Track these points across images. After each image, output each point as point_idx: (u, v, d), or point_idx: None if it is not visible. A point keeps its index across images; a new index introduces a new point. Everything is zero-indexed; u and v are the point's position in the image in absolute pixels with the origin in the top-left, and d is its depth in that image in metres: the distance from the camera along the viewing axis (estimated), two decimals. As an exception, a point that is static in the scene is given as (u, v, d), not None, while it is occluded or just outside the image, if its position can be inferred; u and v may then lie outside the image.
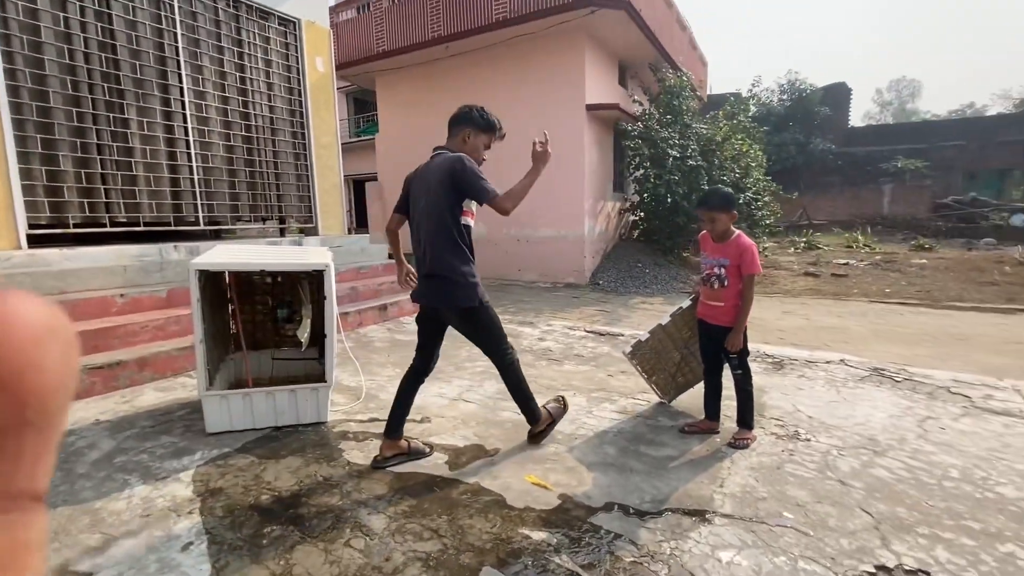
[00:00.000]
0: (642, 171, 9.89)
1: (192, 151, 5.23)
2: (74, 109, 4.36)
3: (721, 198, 2.76)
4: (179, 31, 5.05)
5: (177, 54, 5.05)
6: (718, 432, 2.94)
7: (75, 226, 4.45)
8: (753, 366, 4.20)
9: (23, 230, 4.06)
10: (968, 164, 21.07)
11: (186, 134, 5.18)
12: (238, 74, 5.67)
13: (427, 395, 3.52)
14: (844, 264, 10.79)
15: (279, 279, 3.28)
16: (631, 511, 2.13)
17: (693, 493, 2.28)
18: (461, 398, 3.49)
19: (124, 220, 4.78)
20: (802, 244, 13.88)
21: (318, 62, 6.49)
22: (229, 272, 3.12)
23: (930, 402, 3.42)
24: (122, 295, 4.08)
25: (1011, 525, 2.05)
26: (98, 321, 3.81)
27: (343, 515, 2.09)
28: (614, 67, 10.70)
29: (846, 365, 4.22)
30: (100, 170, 4.57)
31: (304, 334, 3.05)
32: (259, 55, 5.89)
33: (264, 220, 6.32)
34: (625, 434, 2.88)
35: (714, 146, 9.94)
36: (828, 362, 4.29)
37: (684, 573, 1.77)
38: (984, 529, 2.03)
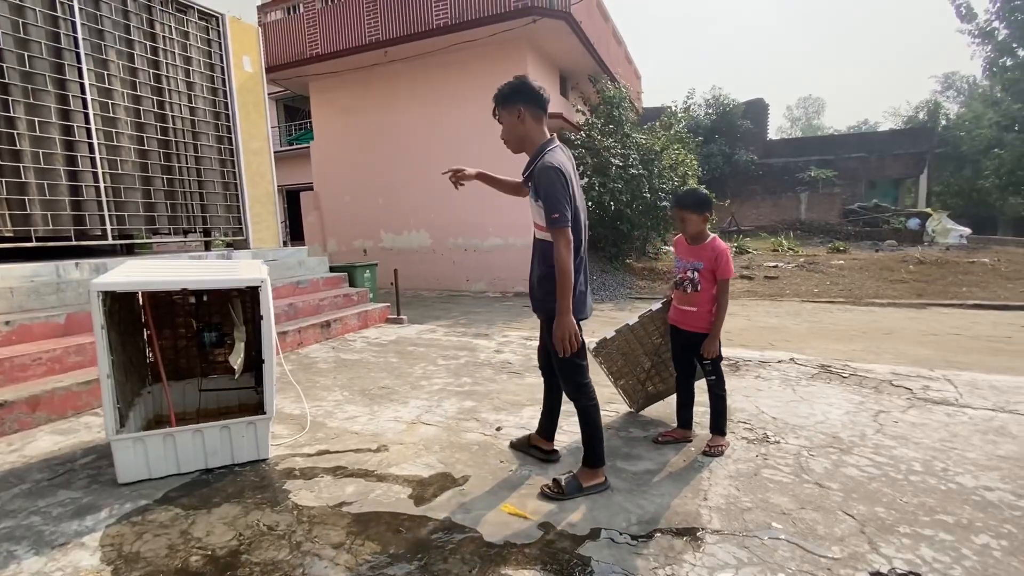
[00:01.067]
0: (586, 179, 10.00)
1: (97, 155, 4.61)
2: (-57, 105, 3.70)
3: (694, 198, 2.71)
4: (78, 20, 4.45)
5: (76, 46, 4.45)
6: (691, 440, 2.86)
7: (-55, 242, 3.76)
8: (711, 369, 4.25)
9: None
10: (869, 174, 23.27)
11: (89, 136, 4.56)
12: (152, 71, 5.10)
13: (381, 420, 3.22)
14: (774, 267, 11.44)
15: (205, 298, 2.87)
16: (620, 537, 1.97)
17: (679, 510, 2.16)
18: (420, 420, 3.22)
19: (11, 235, 4.11)
20: (734, 249, 14.63)
21: (245, 61, 6.00)
22: (143, 292, 2.69)
23: (878, 396, 3.55)
24: (7, 322, 3.46)
25: (979, 515, 2.09)
26: (-25, 354, 3.19)
27: (293, 573, 1.78)
28: (555, 77, 10.81)
29: (796, 364, 4.35)
30: (-22, 176, 3.90)
31: (237, 359, 2.68)
32: (177, 51, 5.34)
33: (186, 233, 5.70)
34: (599, 449, 2.73)
35: (653, 155, 10.24)
36: (780, 361, 4.40)
37: (687, 604, 1.63)
38: (957, 522, 2.05)
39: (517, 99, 2.11)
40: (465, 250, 10.05)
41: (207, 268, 2.83)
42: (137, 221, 5.02)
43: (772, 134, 27.78)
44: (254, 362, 2.90)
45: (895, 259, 12.16)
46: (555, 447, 2.66)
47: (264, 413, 2.61)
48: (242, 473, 2.51)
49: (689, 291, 2.70)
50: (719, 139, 22.46)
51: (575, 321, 2.12)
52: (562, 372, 2.32)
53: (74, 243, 4.53)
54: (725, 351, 4.71)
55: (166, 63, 5.22)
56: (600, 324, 6.74)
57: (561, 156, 2.14)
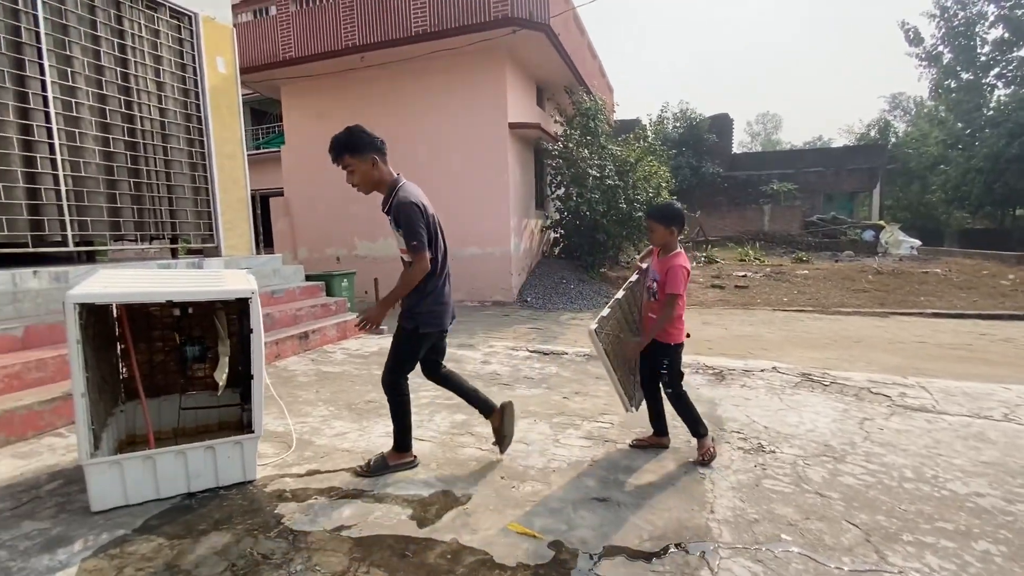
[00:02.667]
0: (563, 189, 10.07)
1: (58, 157, 4.33)
2: None
3: (662, 210, 2.80)
4: (40, 13, 4.19)
5: (38, 40, 4.19)
6: (667, 446, 2.87)
7: None
8: (697, 378, 4.29)
9: None
10: (827, 187, 24.36)
11: (50, 136, 4.29)
12: (119, 69, 4.84)
13: (373, 436, 3.11)
14: (743, 276, 11.77)
15: (190, 310, 2.71)
16: (634, 554, 1.93)
17: (688, 523, 2.14)
18: (413, 436, 3.10)
19: (-40, 240, 3.80)
20: (703, 258, 15.00)
21: (219, 62, 5.78)
22: (117, 304, 2.51)
23: (860, 403, 3.65)
24: (-42, 336, 3.18)
25: (975, 521, 2.15)
26: (-79, 372, 2.91)
27: (297, 605, 1.67)
28: (532, 88, 10.89)
29: (779, 372, 4.44)
30: (-76, 177, 3.59)
31: (222, 375, 2.52)
32: (146, 49, 5.10)
33: (152, 239, 5.41)
34: (601, 463, 2.71)
35: (628, 167, 10.41)
36: (763, 370, 4.49)
37: (711, 623, 1.60)
38: (956, 529, 2.10)
39: (368, 149, 2.38)
40: (442, 259, 9.93)
41: (190, 278, 2.67)
42: (101, 227, 4.73)
43: (735, 148, 28.77)
44: (238, 378, 2.74)
45: (854, 269, 12.70)
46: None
47: (251, 431, 2.46)
48: (228, 496, 2.36)
49: (649, 299, 2.78)
50: (686, 151, 23.12)
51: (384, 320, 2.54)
52: (388, 370, 2.61)
53: (31, 250, 4.23)
54: (710, 360, 4.80)
55: (135, 61, 4.97)
56: (583, 333, 6.74)
57: (414, 190, 2.49)
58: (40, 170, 4.24)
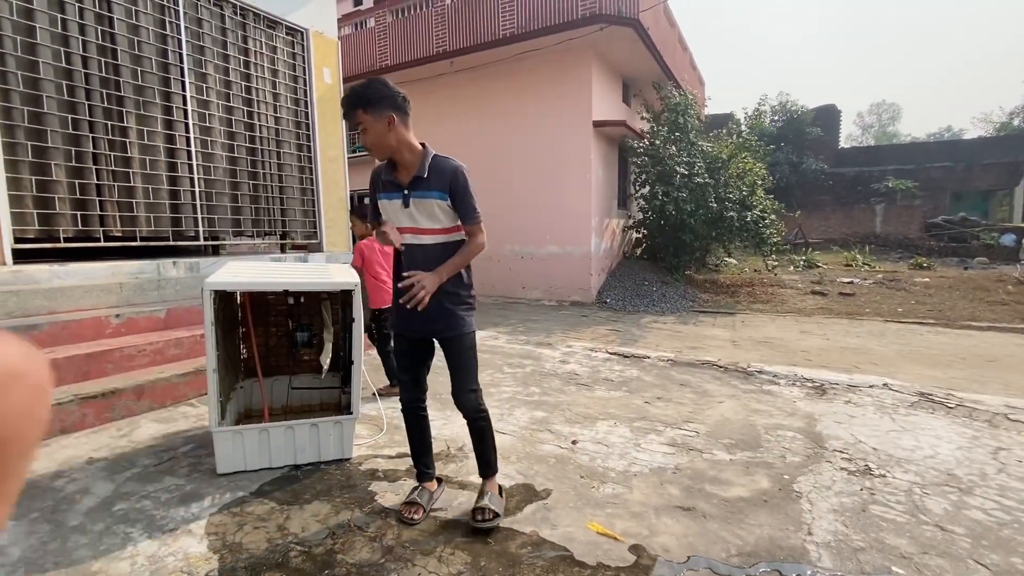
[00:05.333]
0: (648, 188, 9.78)
1: (194, 162, 4.95)
2: (69, 116, 4.07)
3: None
4: (184, 37, 4.80)
5: (181, 61, 4.80)
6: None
7: (66, 240, 4.11)
8: (795, 390, 4.01)
9: (8, 244, 3.71)
10: (955, 185, 21.47)
11: (188, 144, 4.90)
12: (243, 83, 5.43)
13: (455, 425, 3.23)
14: (849, 283, 10.73)
15: (301, 300, 2.99)
16: (721, 568, 1.85)
17: (782, 543, 2.01)
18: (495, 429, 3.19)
19: (119, 234, 4.45)
20: (802, 262, 13.87)
21: (325, 73, 6.28)
22: (241, 292, 2.83)
23: (993, 431, 3.21)
24: (117, 315, 3.74)
25: None
26: (91, 344, 3.47)
27: (388, 577, 1.79)
28: (619, 85, 10.68)
29: (891, 390, 4.02)
30: (96, 181, 4.25)
31: (326, 359, 2.76)
32: (265, 64, 5.66)
33: (265, 235, 6.01)
34: (685, 471, 2.62)
35: (719, 164, 9.88)
36: (871, 386, 4.08)
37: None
38: (1118, 584, 1.79)
39: (385, 105, 1.95)
40: (522, 257, 10.05)
41: (302, 271, 2.94)
42: (225, 224, 5.33)
43: (842, 142, 26.20)
44: (339, 362, 2.98)
45: (989, 278, 11.10)
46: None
47: (350, 413, 2.67)
48: (328, 471, 2.58)
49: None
50: (785, 147, 21.44)
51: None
52: (465, 377, 2.18)
53: (171, 243, 4.87)
54: (809, 372, 4.45)
55: (256, 76, 5.54)
56: (665, 337, 6.53)
57: None
58: (180, 174, 4.86)
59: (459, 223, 2.04)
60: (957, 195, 21.76)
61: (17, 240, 3.81)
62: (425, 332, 2.14)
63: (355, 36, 11.40)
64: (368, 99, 1.94)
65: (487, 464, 2.21)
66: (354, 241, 3.87)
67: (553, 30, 8.58)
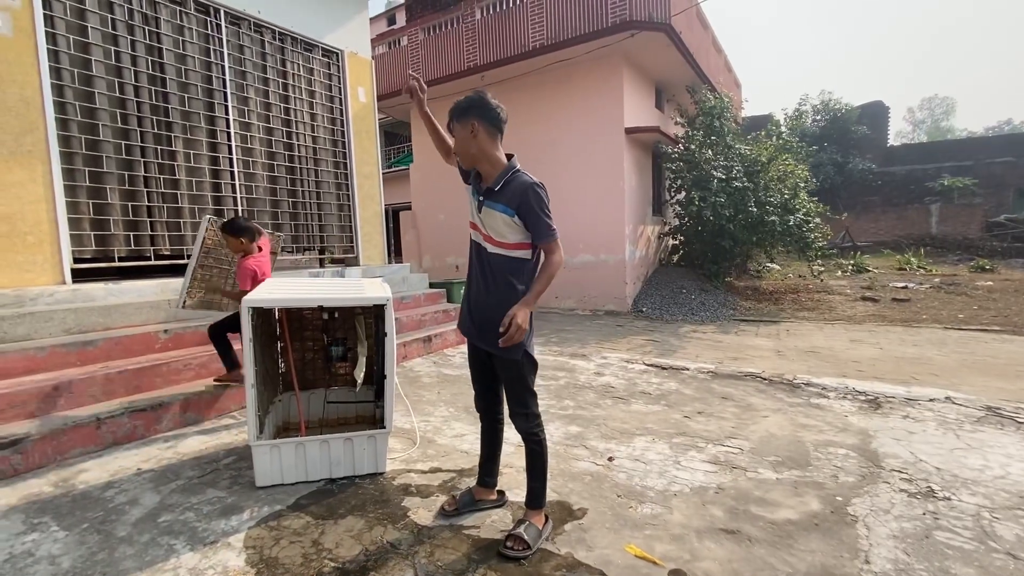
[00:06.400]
0: (684, 193, 9.57)
1: (236, 182, 5.16)
2: (123, 142, 4.32)
3: (227, 225, 3.42)
4: (227, 64, 5.04)
5: (224, 86, 5.03)
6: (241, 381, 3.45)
7: (120, 259, 4.35)
8: (846, 404, 3.79)
9: (68, 264, 3.96)
10: (1019, 181, 20.05)
11: (231, 165, 5.12)
12: (282, 105, 5.64)
13: (489, 440, 3.19)
14: (904, 287, 10.14)
15: (335, 314, 3.04)
16: (770, 598, 1.74)
17: (836, 572, 1.88)
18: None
19: (167, 253, 4.68)
20: (850, 267, 13.22)
21: (360, 92, 6.46)
22: (278, 308, 2.90)
23: (1075, 450, 2.92)
24: (165, 331, 3.91)
25: None
26: (141, 359, 3.63)
27: (420, 597, 1.76)
28: (651, 90, 10.54)
29: (954, 403, 3.74)
30: (146, 203, 4.49)
31: (360, 373, 2.78)
32: (303, 86, 5.87)
33: (305, 251, 6.19)
34: (728, 491, 2.49)
35: (759, 167, 9.57)
36: (932, 400, 3.81)
37: None
38: None
39: (471, 114, 2.01)
40: (556, 267, 9.97)
41: (334, 286, 3.00)
42: (266, 240, 5.52)
43: (891, 140, 24.94)
44: (373, 376, 3.00)
45: (1062, 280, 10.27)
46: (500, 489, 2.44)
47: (384, 427, 2.68)
48: (362, 485, 2.58)
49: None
50: (829, 147, 20.58)
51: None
52: (515, 400, 2.11)
53: (216, 260, 5.07)
54: (861, 384, 4.20)
55: (294, 97, 5.75)
56: (705, 347, 6.32)
57: None
58: (224, 194, 5.08)
59: (524, 241, 2.04)
60: (1021, 192, 20.31)
61: (76, 260, 4.05)
62: (478, 340, 2.15)
63: (389, 55, 11.70)
64: (460, 108, 2.04)
65: (531, 493, 2.13)
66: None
67: (583, 39, 8.56)
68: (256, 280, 3.19)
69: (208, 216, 3.66)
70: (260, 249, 3.45)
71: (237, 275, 3.44)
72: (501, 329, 1.92)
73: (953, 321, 7.65)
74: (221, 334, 3.48)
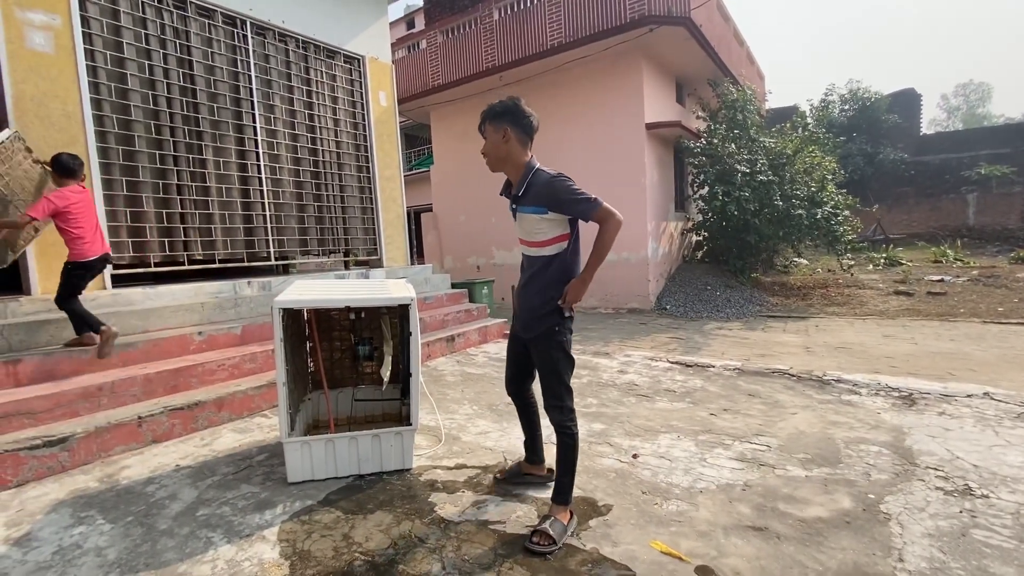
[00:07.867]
0: (707, 188, 9.44)
1: (264, 188, 5.31)
2: (156, 152, 4.49)
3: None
4: (253, 73, 5.19)
5: (251, 95, 5.18)
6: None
7: (155, 265, 4.52)
8: (878, 401, 3.69)
9: (108, 270, 4.14)
10: (1064, 167, 19.11)
11: (258, 172, 5.27)
12: (307, 112, 5.78)
13: (512, 437, 3.22)
14: (939, 281, 9.79)
15: (362, 315, 3.11)
16: (799, 595, 1.72)
17: (869, 570, 1.84)
18: (550, 441, 3.13)
19: (200, 258, 4.85)
20: (882, 260, 12.83)
21: (381, 96, 6.56)
22: (308, 308, 2.98)
23: (1126, 447, 2.79)
24: (200, 332, 4.06)
25: None
26: (178, 360, 3.78)
27: (448, 590, 1.80)
28: (671, 85, 10.42)
29: (993, 399, 3.61)
30: (180, 210, 4.66)
31: (386, 372, 2.84)
32: (326, 92, 6.00)
33: (330, 253, 6.33)
34: (756, 488, 2.46)
35: (784, 160, 9.37)
36: (970, 396, 3.69)
37: None
38: None
39: (503, 119, 2.12)
40: (577, 265, 9.95)
41: (360, 287, 3.06)
42: (292, 244, 5.67)
43: (924, 128, 24.03)
44: (399, 375, 3.06)
45: (1113, 271, 9.77)
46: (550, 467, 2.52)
47: (409, 424, 2.73)
48: (390, 481, 2.64)
49: None
50: (858, 138, 19.97)
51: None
52: (550, 393, 2.18)
53: (246, 264, 5.23)
54: (895, 380, 4.09)
55: (317, 103, 5.89)
56: (730, 344, 6.23)
57: None
58: (252, 200, 5.23)
59: (554, 236, 2.12)
60: (1067, 179, 19.35)
61: (115, 266, 4.23)
62: (519, 329, 2.28)
63: (408, 58, 11.84)
64: (495, 111, 2.14)
65: (558, 488, 2.16)
66: None
67: (601, 36, 8.52)
68: (47, 213, 3.16)
69: (15, 132, 3.40)
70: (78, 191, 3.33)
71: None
72: (559, 302, 2.09)
73: (992, 315, 7.36)
74: (66, 302, 3.38)
